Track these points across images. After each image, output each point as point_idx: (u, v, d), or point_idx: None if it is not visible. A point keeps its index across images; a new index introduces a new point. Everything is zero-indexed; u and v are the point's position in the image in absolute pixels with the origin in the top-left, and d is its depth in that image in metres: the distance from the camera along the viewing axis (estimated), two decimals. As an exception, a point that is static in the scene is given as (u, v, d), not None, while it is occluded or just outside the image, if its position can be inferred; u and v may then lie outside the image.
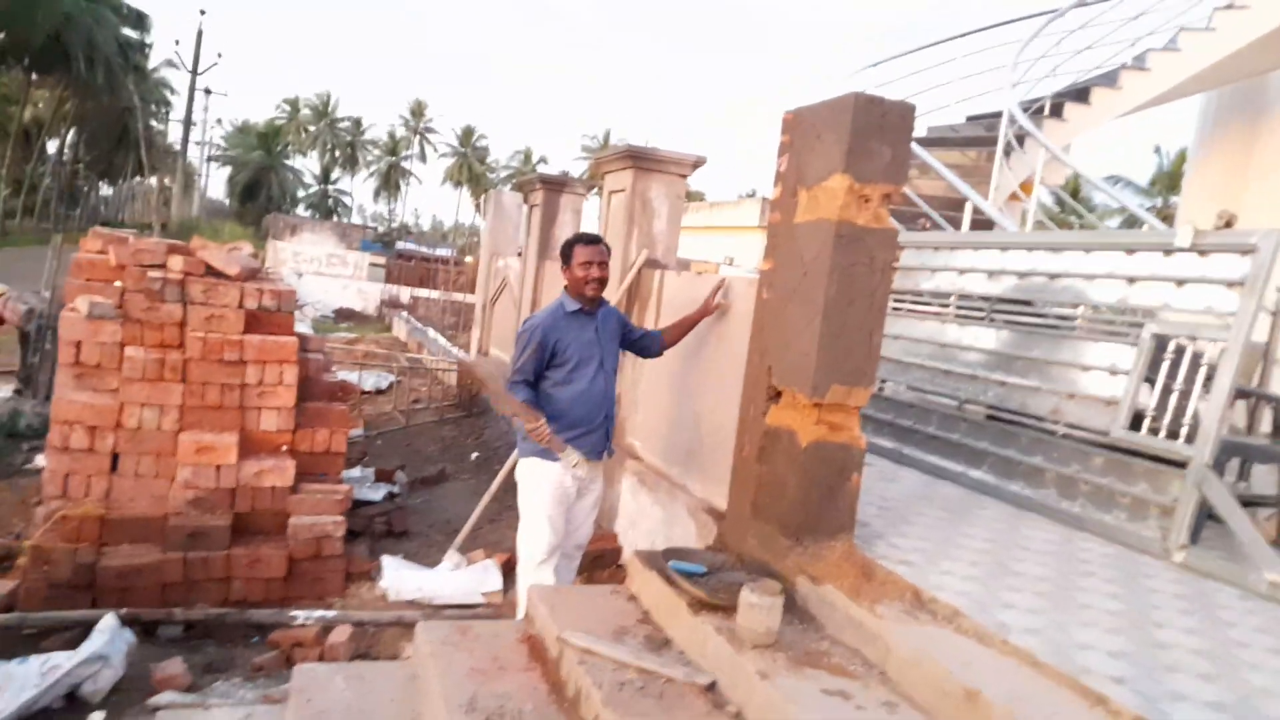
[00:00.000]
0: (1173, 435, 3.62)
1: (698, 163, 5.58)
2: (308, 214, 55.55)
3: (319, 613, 4.30)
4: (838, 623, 2.73)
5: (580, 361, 3.67)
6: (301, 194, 60.40)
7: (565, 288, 3.79)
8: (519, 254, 9.43)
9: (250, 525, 4.73)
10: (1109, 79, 8.39)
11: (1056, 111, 8.52)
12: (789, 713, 2.25)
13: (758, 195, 27.20)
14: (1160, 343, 3.80)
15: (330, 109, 63.81)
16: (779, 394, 3.23)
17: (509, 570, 4.66)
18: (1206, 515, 3.52)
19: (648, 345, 4.12)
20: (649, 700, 2.46)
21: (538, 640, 3.08)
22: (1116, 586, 3.05)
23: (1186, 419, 3.60)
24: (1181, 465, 3.54)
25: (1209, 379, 3.56)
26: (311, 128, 63.05)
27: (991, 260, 4.85)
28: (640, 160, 5.41)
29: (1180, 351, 3.73)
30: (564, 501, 3.71)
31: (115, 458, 4.68)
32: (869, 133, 2.98)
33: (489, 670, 2.94)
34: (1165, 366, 3.74)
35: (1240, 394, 4.06)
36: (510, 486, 4.33)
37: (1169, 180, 40.67)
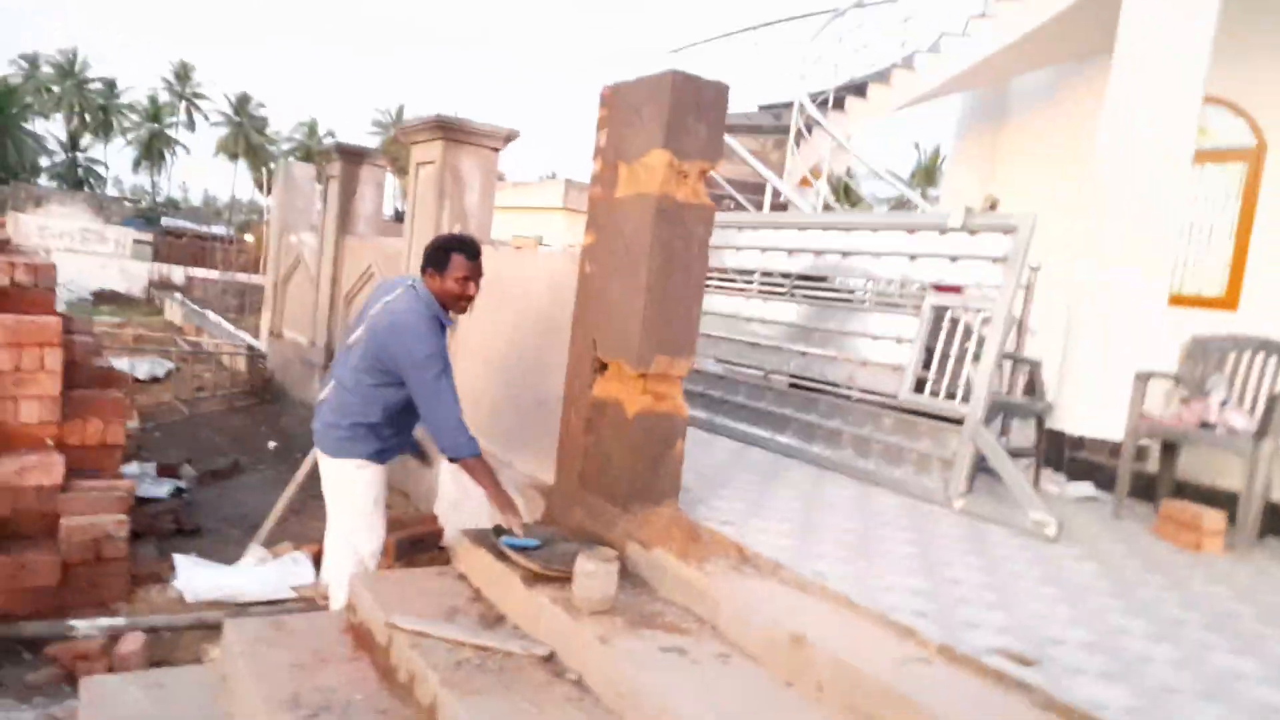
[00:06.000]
0: (950, 396, 4.04)
1: (510, 136, 5.51)
2: (53, 184, 49.28)
3: (104, 621, 3.87)
4: (669, 584, 2.82)
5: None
6: (46, 162, 53.48)
7: (432, 291, 3.28)
8: (314, 229, 8.88)
9: (12, 529, 4.16)
10: (882, 76, 9.11)
11: (839, 104, 9.15)
12: (629, 673, 2.31)
13: (558, 177, 27.31)
14: (938, 313, 4.21)
15: (78, 68, 56.71)
16: (605, 366, 3.27)
17: (319, 563, 4.42)
18: (979, 467, 3.96)
19: None
20: (488, 676, 2.44)
21: (363, 629, 2.95)
22: (910, 533, 3.37)
23: (961, 382, 4.02)
24: (958, 423, 3.96)
25: (979, 346, 4.00)
26: (55, 88, 55.78)
27: (790, 239, 5.15)
28: (451, 131, 5.26)
29: (955, 322, 4.15)
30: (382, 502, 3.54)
31: None
32: (687, 110, 3.07)
33: (311, 664, 2.79)
34: (943, 335, 4.16)
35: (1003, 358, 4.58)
36: (314, 476, 4.09)
37: (925, 174, 45.59)
